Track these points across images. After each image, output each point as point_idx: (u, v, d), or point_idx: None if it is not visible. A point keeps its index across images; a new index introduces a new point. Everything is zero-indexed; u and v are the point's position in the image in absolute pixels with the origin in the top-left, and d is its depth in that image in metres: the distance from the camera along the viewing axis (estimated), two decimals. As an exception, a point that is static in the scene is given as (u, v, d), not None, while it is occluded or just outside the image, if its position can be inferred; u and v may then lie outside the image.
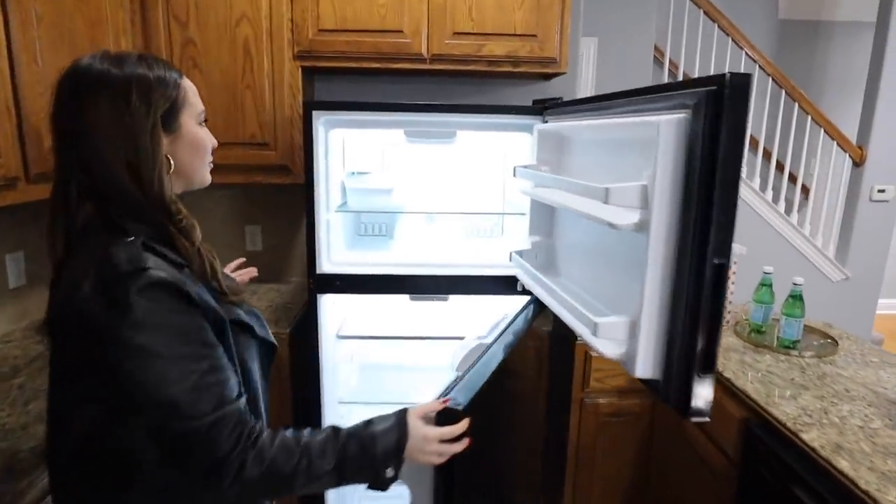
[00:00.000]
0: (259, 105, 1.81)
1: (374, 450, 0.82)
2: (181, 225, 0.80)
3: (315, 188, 1.57)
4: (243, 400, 0.77)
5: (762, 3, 4.53)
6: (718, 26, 3.43)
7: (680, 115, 0.72)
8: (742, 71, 3.37)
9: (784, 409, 1.30)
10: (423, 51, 1.83)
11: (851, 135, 3.49)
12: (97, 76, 0.76)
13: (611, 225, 0.83)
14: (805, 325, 1.77)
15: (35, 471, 0.98)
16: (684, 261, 0.76)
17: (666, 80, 3.48)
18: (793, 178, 3.80)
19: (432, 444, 0.88)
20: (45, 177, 1.32)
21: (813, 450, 1.15)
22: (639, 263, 0.82)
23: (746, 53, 3.46)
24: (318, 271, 1.60)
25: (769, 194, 3.51)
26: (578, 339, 1.79)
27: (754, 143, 3.65)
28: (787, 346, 1.67)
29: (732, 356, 1.62)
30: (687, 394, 0.77)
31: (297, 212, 2.12)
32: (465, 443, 0.91)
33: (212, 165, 0.89)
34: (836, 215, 3.61)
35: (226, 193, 2.18)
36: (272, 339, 0.93)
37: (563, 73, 1.96)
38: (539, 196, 1.19)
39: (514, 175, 1.33)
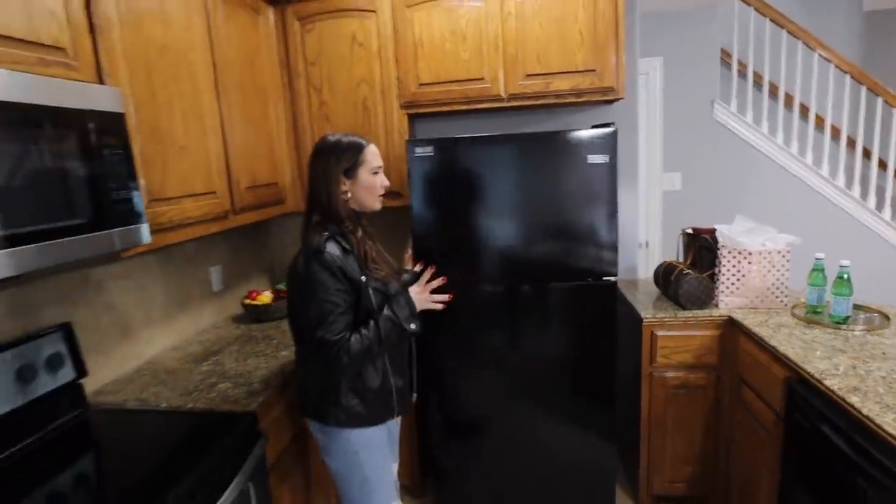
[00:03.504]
0: (376, 147, 2.32)
1: (399, 320, 1.44)
2: (346, 229, 1.46)
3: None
4: (343, 329, 1.37)
5: (843, -3, 4.51)
6: (787, 31, 3.57)
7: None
8: (815, 71, 3.49)
9: (816, 366, 1.55)
10: (502, 92, 2.26)
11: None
12: (322, 145, 1.47)
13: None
14: (864, 306, 1.98)
15: (265, 391, 1.54)
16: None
17: (735, 83, 3.66)
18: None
19: (425, 299, 1.54)
20: (244, 209, 1.92)
21: (831, 391, 1.40)
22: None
23: (819, 54, 3.55)
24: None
25: (856, 190, 3.55)
26: (644, 320, 2.10)
27: (851, 143, 3.70)
28: (838, 322, 1.87)
29: (783, 330, 1.86)
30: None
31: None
32: (447, 296, 1.59)
33: (381, 199, 1.53)
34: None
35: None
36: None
37: (622, 99, 2.31)
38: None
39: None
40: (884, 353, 1.61)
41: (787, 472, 1.63)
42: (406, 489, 2.41)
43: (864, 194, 3.63)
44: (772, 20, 3.58)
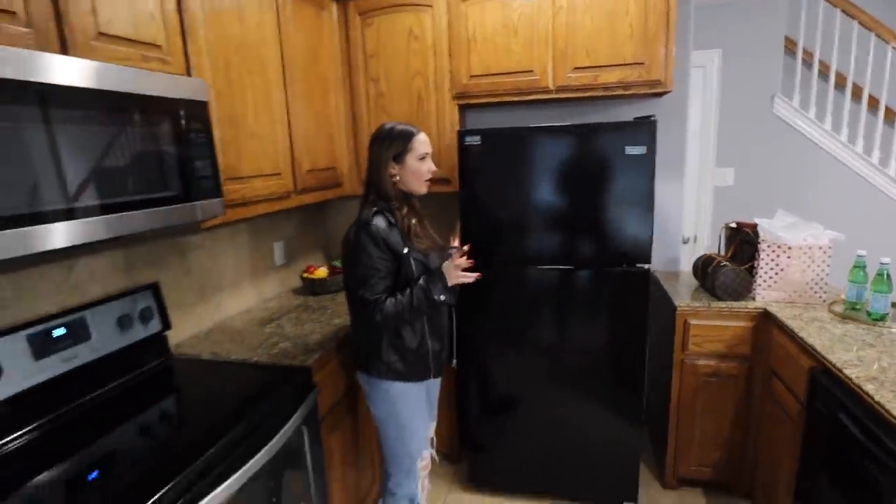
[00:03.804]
0: (428, 135, 2.48)
1: (430, 291, 1.59)
2: (393, 206, 1.65)
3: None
4: (381, 291, 1.57)
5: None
6: (858, 23, 3.43)
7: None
8: (889, 65, 3.34)
9: (839, 356, 1.59)
10: (550, 84, 2.35)
11: None
12: (378, 132, 1.66)
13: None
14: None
15: (318, 351, 1.72)
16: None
17: (799, 73, 3.55)
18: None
19: (454, 274, 1.62)
20: (305, 191, 2.12)
21: (849, 379, 1.45)
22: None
23: (894, 47, 3.40)
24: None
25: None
26: (678, 308, 2.16)
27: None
28: (876, 319, 1.87)
29: (815, 324, 1.88)
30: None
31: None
32: (475, 275, 1.66)
33: (428, 183, 1.70)
34: None
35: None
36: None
37: (670, 92, 2.34)
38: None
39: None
40: (916, 351, 1.62)
41: (806, 458, 1.68)
42: (444, 455, 2.59)
43: (936, 194, 3.47)
44: (843, 11, 3.45)
